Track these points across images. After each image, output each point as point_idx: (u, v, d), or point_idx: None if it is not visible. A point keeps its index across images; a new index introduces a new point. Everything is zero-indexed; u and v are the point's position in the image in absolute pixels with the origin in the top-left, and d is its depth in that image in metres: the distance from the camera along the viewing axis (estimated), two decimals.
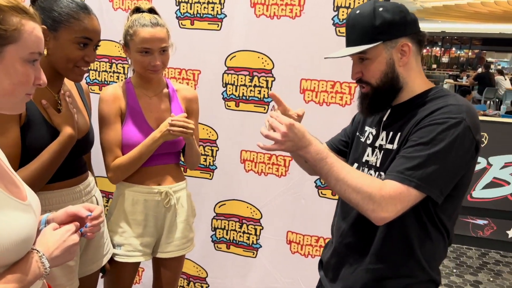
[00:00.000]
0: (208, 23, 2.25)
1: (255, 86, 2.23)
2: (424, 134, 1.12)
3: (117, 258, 1.78)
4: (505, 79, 10.76)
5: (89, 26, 1.41)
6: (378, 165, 1.25)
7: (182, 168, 1.94)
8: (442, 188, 1.13)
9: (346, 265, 1.35)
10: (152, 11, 1.74)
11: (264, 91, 2.22)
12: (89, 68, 2.06)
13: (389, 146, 1.23)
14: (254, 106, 2.25)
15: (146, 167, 1.77)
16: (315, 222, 2.25)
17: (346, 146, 1.50)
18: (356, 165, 1.35)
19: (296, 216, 2.27)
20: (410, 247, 1.22)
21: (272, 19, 2.16)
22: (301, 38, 2.13)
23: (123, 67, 2.41)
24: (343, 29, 2.09)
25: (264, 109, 2.24)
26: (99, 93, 1.82)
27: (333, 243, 1.43)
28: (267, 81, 2.21)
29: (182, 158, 1.92)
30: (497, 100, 10.56)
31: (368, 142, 1.33)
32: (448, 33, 17.67)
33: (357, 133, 1.42)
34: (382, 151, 1.25)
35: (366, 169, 1.30)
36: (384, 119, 1.29)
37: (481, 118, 3.06)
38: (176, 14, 2.26)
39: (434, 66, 17.42)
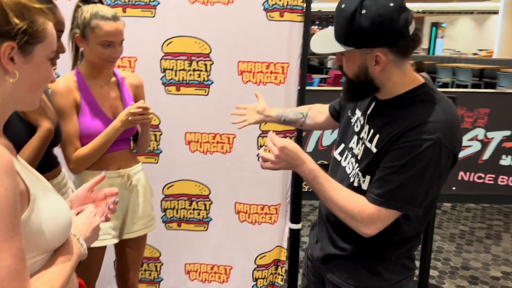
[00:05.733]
0: (142, 10, 2.29)
1: (194, 70, 2.35)
2: (399, 157, 1.16)
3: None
4: None
5: (60, 19, 1.43)
6: (359, 158, 1.31)
7: None
8: (421, 202, 1.19)
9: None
10: (101, 1, 1.78)
11: (204, 74, 2.35)
12: None
13: (368, 145, 1.27)
14: (195, 89, 2.36)
15: (105, 154, 1.83)
16: (259, 192, 2.46)
17: (337, 114, 1.64)
18: (343, 146, 1.43)
19: (242, 188, 2.46)
20: None
21: (206, 5, 2.27)
22: (235, 23, 2.28)
23: None
24: (273, 14, 2.29)
25: (205, 92, 2.37)
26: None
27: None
28: (205, 64, 2.34)
29: None
30: None
31: (356, 129, 1.37)
32: (324, 12, 19.05)
33: (349, 112, 1.45)
34: (363, 146, 1.30)
35: (349, 155, 1.37)
36: (369, 112, 1.32)
37: None
38: (107, 2, 2.27)
39: None
